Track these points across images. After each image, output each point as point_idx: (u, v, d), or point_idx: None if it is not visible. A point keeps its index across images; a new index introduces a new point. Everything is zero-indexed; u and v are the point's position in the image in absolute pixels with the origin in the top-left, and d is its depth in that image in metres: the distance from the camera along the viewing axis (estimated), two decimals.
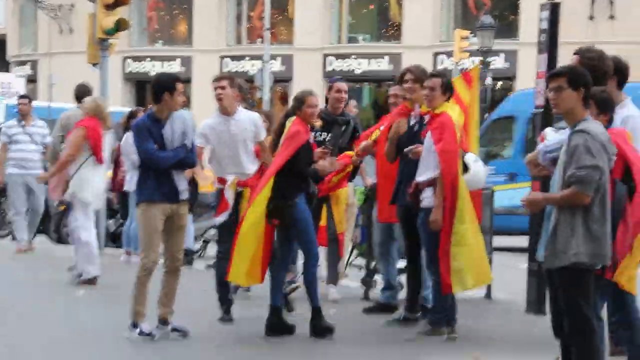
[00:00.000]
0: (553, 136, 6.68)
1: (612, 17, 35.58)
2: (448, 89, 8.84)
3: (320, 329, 8.76)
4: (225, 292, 9.49)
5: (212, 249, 15.89)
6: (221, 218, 9.53)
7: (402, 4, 38.87)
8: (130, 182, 14.12)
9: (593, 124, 6.18)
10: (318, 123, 9.52)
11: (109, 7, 15.49)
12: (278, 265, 8.94)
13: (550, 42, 10.15)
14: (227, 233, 9.30)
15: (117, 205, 15.22)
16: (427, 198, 8.77)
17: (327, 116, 10.34)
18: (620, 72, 7.44)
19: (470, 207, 8.72)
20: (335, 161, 9.26)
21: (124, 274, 11.43)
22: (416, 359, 8.23)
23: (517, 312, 10.14)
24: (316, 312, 8.80)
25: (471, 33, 33.57)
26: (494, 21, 32.89)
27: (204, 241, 15.89)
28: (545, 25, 10.25)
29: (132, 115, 14.35)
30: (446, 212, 8.63)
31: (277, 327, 8.82)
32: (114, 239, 16.06)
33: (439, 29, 38.58)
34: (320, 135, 10.21)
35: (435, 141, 8.67)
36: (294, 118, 9.00)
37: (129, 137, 14.17)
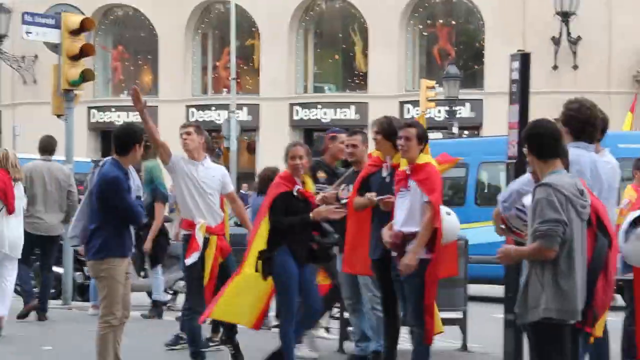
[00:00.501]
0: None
1: (575, 67, 35.89)
2: (423, 138, 8.75)
3: None
4: (198, 346, 9.40)
5: (181, 300, 15.76)
6: (191, 260, 9.47)
7: (367, 54, 39.03)
8: None
9: (559, 177, 6.10)
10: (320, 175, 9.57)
11: (74, 58, 15.39)
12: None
13: (521, 93, 10.12)
14: (196, 284, 9.25)
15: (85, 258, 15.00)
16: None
17: (328, 168, 10.31)
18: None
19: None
20: (333, 209, 9.07)
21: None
22: None
23: None
24: None
25: (436, 83, 33.73)
26: (459, 71, 33.11)
27: (173, 292, 15.73)
28: (515, 75, 10.22)
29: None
30: (435, 263, 8.53)
31: None
32: (81, 292, 15.83)
33: (405, 79, 38.75)
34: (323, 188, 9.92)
35: (428, 192, 8.54)
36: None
37: None
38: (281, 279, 8.72)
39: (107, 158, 8.74)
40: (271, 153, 39.70)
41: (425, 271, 8.58)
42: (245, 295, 8.82)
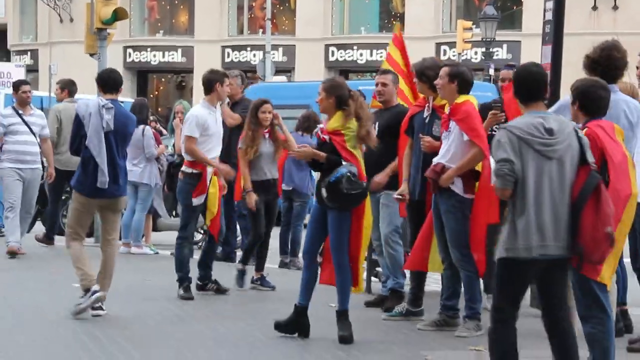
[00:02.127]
0: None
1: (615, 7, 35.43)
2: (456, 77, 8.65)
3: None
4: (184, 272, 10.28)
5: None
6: (197, 201, 10.31)
7: None
8: (151, 175, 14.15)
9: (522, 118, 6.24)
10: None
11: None
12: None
13: (555, 33, 10.01)
14: (194, 217, 10.46)
15: None
16: (457, 186, 8.58)
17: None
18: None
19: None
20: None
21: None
22: (418, 353, 8.09)
23: (522, 307, 9.97)
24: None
25: (473, 24, 33.43)
26: (497, 12, 32.77)
27: (204, 232, 15.72)
28: (549, 16, 10.11)
29: (141, 106, 14.28)
30: (476, 205, 8.56)
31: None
32: None
33: (441, 20, 38.43)
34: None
35: (468, 130, 8.53)
36: None
37: (146, 130, 14.11)
38: None
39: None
40: None
41: (466, 210, 8.58)
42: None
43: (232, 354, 7.91)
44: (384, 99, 9.96)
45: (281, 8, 40.68)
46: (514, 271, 6.21)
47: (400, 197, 9.26)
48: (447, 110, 8.77)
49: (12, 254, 13.06)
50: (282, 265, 13.52)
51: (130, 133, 9.60)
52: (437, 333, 8.75)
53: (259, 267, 11.21)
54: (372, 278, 11.18)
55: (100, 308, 9.09)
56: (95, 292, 8.99)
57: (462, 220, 8.60)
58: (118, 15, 15.21)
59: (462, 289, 8.86)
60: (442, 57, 36.86)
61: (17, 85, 13.69)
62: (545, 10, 10.16)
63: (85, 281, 9.04)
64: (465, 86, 8.68)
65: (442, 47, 37.29)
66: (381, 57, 39.33)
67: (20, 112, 13.41)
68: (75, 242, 9.25)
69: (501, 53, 35.98)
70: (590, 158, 6.16)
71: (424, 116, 9.16)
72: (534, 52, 38.02)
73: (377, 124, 9.88)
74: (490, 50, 32.12)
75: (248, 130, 10.79)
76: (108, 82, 9.36)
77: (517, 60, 36.51)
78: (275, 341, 8.31)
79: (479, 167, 8.67)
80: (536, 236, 6.14)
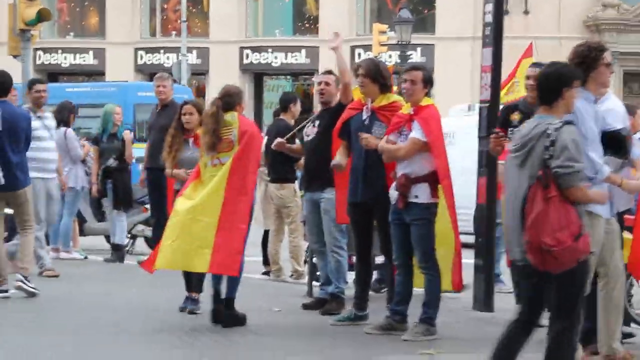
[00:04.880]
0: None
1: (526, 12, 35.92)
2: (429, 82, 8.69)
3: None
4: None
5: (140, 245, 15.62)
6: None
7: None
8: (77, 178, 13.84)
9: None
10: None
11: None
12: None
13: (495, 35, 10.05)
14: None
15: None
16: (423, 193, 8.55)
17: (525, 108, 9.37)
18: None
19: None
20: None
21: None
22: (370, 358, 8.04)
23: (465, 310, 10.02)
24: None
25: (388, 27, 33.57)
26: (412, 15, 32.97)
27: (131, 236, 15.55)
28: (489, 18, 10.14)
29: (63, 108, 13.99)
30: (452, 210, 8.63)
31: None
32: None
33: (355, 23, 38.54)
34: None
35: (427, 132, 8.51)
36: None
37: (68, 132, 13.84)
38: None
39: None
40: None
41: (432, 215, 8.57)
42: None
43: None
44: (324, 99, 9.95)
45: (194, 10, 40.38)
46: (513, 273, 6.21)
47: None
48: (407, 111, 8.72)
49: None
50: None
51: (22, 129, 10.11)
52: (385, 337, 8.70)
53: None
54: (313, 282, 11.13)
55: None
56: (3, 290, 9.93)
57: (429, 225, 8.60)
58: (42, 16, 14.93)
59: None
60: (357, 60, 36.99)
61: (30, 84, 12.50)
62: (484, 13, 10.19)
63: None
64: (429, 90, 8.75)
65: (357, 50, 37.36)
66: (296, 59, 39.43)
67: (39, 114, 12.03)
68: None
69: (415, 56, 36.19)
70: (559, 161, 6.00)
71: (363, 118, 9.09)
72: (447, 55, 38.38)
73: (317, 123, 9.87)
74: (406, 53, 32.27)
75: (168, 135, 9.95)
76: None
77: (431, 64, 36.88)
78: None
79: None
80: (511, 239, 6.17)
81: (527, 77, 9.18)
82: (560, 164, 5.97)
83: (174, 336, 8.52)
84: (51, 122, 12.26)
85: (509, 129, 8.91)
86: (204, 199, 8.75)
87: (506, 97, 12.96)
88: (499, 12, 10.14)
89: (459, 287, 9.01)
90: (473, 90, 29.15)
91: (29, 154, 11.23)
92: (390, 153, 8.60)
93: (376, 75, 9.00)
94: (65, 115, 13.94)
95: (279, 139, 10.45)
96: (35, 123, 11.50)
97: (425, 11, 38.46)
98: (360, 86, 9.09)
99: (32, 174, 11.25)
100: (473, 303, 10.10)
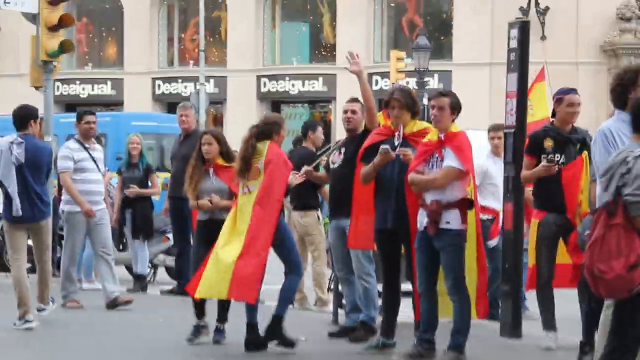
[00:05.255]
0: None
1: (543, 37, 35.91)
2: (456, 108, 8.66)
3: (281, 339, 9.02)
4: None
5: (162, 274, 15.62)
6: None
7: (335, 26, 38.82)
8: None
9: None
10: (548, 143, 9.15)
11: (53, 29, 15.05)
12: None
13: (520, 61, 10.04)
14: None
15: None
16: (454, 220, 8.52)
17: (558, 134, 9.32)
18: None
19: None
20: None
21: None
22: None
23: (493, 336, 9.95)
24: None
25: (405, 54, 33.61)
26: (429, 42, 33.03)
27: (152, 266, 15.55)
28: (514, 44, 10.13)
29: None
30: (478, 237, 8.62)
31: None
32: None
33: (372, 50, 38.60)
34: (554, 156, 9.14)
35: (463, 160, 8.49)
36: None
37: None
38: (293, 241, 9.40)
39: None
40: (238, 125, 39.35)
41: (463, 241, 8.56)
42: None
43: None
44: (351, 126, 9.95)
45: (211, 39, 40.53)
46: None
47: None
48: (432, 138, 8.69)
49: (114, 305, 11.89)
50: None
51: (45, 163, 10.34)
52: None
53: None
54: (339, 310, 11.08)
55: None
56: (28, 321, 10.10)
57: (460, 252, 8.58)
58: (64, 47, 14.94)
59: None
60: (374, 88, 37.01)
61: (80, 116, 12.31)
62: (509, 39, 10.18)
63: (22, 304, 10.07)
64: (457, 115, 8.73)
65: (374, 77, 37.41)
66: (313, 87, 39.48)
67: (87, 145, 12.06)
68: (15, 265, 10.27)
69: (432, 83, 36.21)
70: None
71: (395, 144, 9.05)
72: (464, 81, 38.54)
73: (344, 150, 9.86)
74: (423, 79, 32.30)
75: (189, 166, 9.78)
76: (16, 119, 10.27)
77: (449, 89, 36.89)
78: None
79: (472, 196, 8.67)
80: None
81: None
82: (632, 192, 5.98)
83: None
84: (99, 154, 12.20)
85: (542, 156, 8.96)
86: (232, 227, 8.80)
87: None
88: (524, 37, 10.12)
89: (484, 314, 8.97)
90: (491, 116, 29.12)
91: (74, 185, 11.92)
92: (424, 184, 8.55)
93: (411, 103, 9.00)
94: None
95: (306, 167, 10.44)
96: (81, 154, 11.95)
97: (442, 37, 38.52)
98: (395, 116, 9.01)
99: (75, 208, 11.92)
100: (500, 329, 10.03)
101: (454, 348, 8.59)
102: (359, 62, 9.58)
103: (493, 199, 11.11)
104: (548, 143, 9.10)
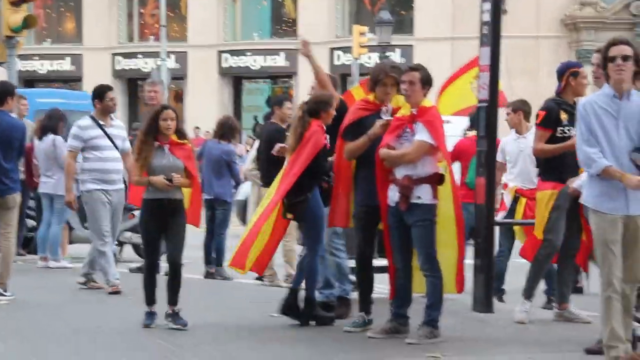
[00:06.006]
0: None
1: (504, 11, 35.93)
2: (427, 83, 8.55)
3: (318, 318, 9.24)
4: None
5: (128, 251, 15.49)
6: None
7: (297, 0, 38.67)
8: (57, 186, 13.58)
9: None
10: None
11: (16, 4, 14.90)
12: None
13: (493, 35, 10.00)
14: None
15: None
16: (426, 194, 8.46)
17: (570, 107, 9.26)
18: None
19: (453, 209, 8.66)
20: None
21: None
22: None
23: (465, 311, 9.96)
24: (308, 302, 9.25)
25: (368, 29, 33.56)
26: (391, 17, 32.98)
27: (119, 243, 15.40)
28: (487, 17, 10.09)
29: (52, 116, 13.84)
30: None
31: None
32: (25, 244, 15.41)
33: (334, 25, 38.51)
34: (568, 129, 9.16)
35: (434, 135, 8.40)
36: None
37: (57, 139, 13.64)
38: (315, 219, 9.17)
39: None
40: (199, 101, 39.37)
41: (433, 216, 8.49)
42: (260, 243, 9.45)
43: None
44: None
45: (172, 15, 40.24)
46: None
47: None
48: (404, 112, 8.59)
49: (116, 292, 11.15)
50: (208, 275, 13.26)
51: (16, 138, 10.42)
52: (388, 341, 8.62)
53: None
54: None
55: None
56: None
57: (432, 226, 8.52)
58: (28, 22, 14.78)
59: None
60: (336, 63, 36.95)
61: (102, 92, 11.39)
62: (482, 12, 10.13)
63: None
64: (428, 90, 8.60)
65: (336, 52, 37.35)
66: (274, 62, 39.34)
67: (102, 122, 11.30)
68: None
69: (394, 57, 36.19)
70: None
71: (385, 119, 8.73)
72: (426, 55, 38.39)
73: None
74: (386, 54, 32.27)
75: (137, 140, 9.22)
76: None
77: (411, 64, 36.84)
78: None
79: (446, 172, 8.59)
80: None
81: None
82: None
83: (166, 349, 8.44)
84: (117, 130, 11.40)
85: (558, 129, 9.08)
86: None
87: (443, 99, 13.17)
88: (497, 10, 10.09)
89: (462, 289, 8.95)
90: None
91: (86, 164, 11.17)
92: (395, 159, 8.47)
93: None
94: (54, 123, 13.80)
95: (279, 145, 10.34)
96: (92, 131, 11.20)
97: (403, 12, 38.48)
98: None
99: (90, 186, 11.11)
100: (472, 304, 10.03)
101: (428, 323, 8.56)
102: (308, 47, 9.63)
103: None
104: (563, 115, 9.12)
